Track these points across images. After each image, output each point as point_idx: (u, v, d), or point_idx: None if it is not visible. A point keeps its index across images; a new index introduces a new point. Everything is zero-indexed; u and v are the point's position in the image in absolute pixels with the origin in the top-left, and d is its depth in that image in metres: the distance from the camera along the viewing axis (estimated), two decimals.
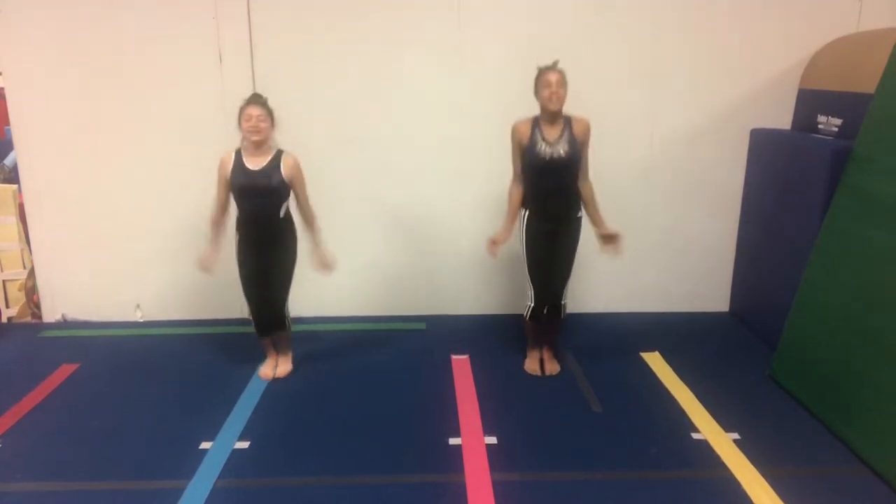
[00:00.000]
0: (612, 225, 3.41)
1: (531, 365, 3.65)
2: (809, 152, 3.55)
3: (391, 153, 4.08)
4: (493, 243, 3.34)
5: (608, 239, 3.41)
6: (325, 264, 3.40)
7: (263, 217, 3.25)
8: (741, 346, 3.96)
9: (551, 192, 3.32)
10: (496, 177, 4.10)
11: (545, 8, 3.90)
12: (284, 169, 3.21)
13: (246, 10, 3.86)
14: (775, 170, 3.87)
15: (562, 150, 3.21)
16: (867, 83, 3.32)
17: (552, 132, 3.23)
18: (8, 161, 5.42)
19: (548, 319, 3.53)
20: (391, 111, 4.02)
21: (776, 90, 4.07)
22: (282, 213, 3.27)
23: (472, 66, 3.94)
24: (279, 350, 3.59)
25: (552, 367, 3.63)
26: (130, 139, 4.01)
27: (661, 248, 4.31)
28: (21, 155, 4.08)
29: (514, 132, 3.28)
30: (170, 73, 3.92)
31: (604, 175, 4.09)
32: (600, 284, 4.34)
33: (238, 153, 3.22)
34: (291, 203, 3.34)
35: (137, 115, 3.97)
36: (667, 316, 4.36)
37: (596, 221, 3.43)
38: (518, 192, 3.37)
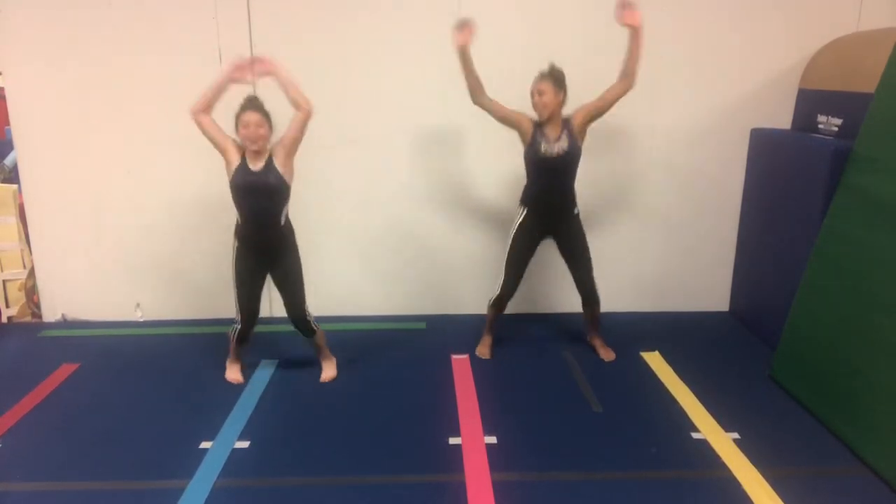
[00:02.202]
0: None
1: (482, 349, 3.77)
2: (809, 152, 3.55)
3: (391, 153, 4.08)
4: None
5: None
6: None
7: (264, 222, 3.19)
8: (741, 346, 3.96)
9: (548, 190, 3.42)
10: (496, 176, 4.12)
11: (544, 9, 3.90)
12: (278, 161, 3.14)
13: (246, 10, 3.86)
14: (775, 170, 3.87)
15: (560, 148, 3.30)
16: (867, 83, 3.32)
17: (552, 132, 3.31)
18: (8, 161, 5.43)
19: (589, 312, 3.74)
20: (391, 112, 4.02)
21: (776, 90, 4.07)
22: (282, 220, 3.23)
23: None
24: (322, 356, 3.57)
25: (607, 354, 3.76)
26: (130, 139, 4.01)
27: (661, 247, 4.32)
28: (21, 155, 4.08)
29: (522, 115, 3.36)
30: (170, 74, 3.92)
31: (603, 174, 4.12)
32: (600, 284, 4.32)
33: (244, 154, 3.15)
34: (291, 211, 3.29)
35: (137, 116, 3.97)
36: (667, 316, 4.36)
37: (630, 43, 3.35)
38: (482, 90, 3.33)
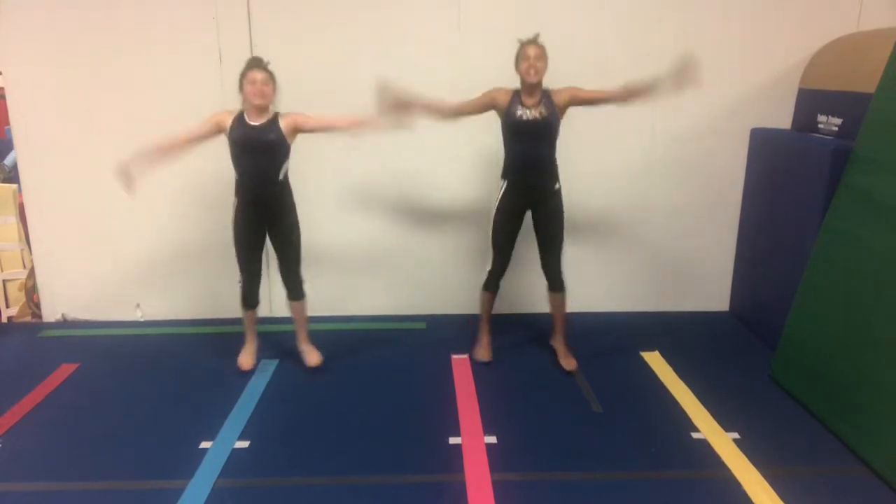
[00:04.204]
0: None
1: (482, 351, 3.68)
2: (809, 152, 3.55)
3: (391, 153, 4.08)
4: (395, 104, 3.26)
5: (680, 73, 3.19)
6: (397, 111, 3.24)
7: (263, 177, 3.24)
8: (741, 346, 3.96)
9: (529, 161, 3.35)
10: (495, 176, 4.11)
11: (544, 8, 3.90)
12: (283, 125, 3.21)
13: (246, 10, 3.86)
14: (775, 170, 3.87)
15: (539, 112, 3.26)
16: (867, 83, 3.32)
17: (530, 100, 3.29)
18: (8, 161, 5.44)
19: (554, 301, 3.59)
20: None
21: (776, 90, 4.07)
22: (281, 176, 3.28)
23: (472, 64, 3.94)
24: (301, 340, 3.61)
25: (569, 363, 3.59)
26: (130, 139, 3.98)
27: (661, 247, 4.31)
28: (21, 155, 4.08)
29: (492, 92, 3.33)
30: (170, 74, 3.93)
31: (604, 174, 4.12)
32: (600, 284, 4.34)
33: (241, 112, 3.23)
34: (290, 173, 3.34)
35: (137, 115, 3.96)
36: (667, 316, 4.36)
37: (653, 84, 3.25)
38: (449, 109, 3.38)
